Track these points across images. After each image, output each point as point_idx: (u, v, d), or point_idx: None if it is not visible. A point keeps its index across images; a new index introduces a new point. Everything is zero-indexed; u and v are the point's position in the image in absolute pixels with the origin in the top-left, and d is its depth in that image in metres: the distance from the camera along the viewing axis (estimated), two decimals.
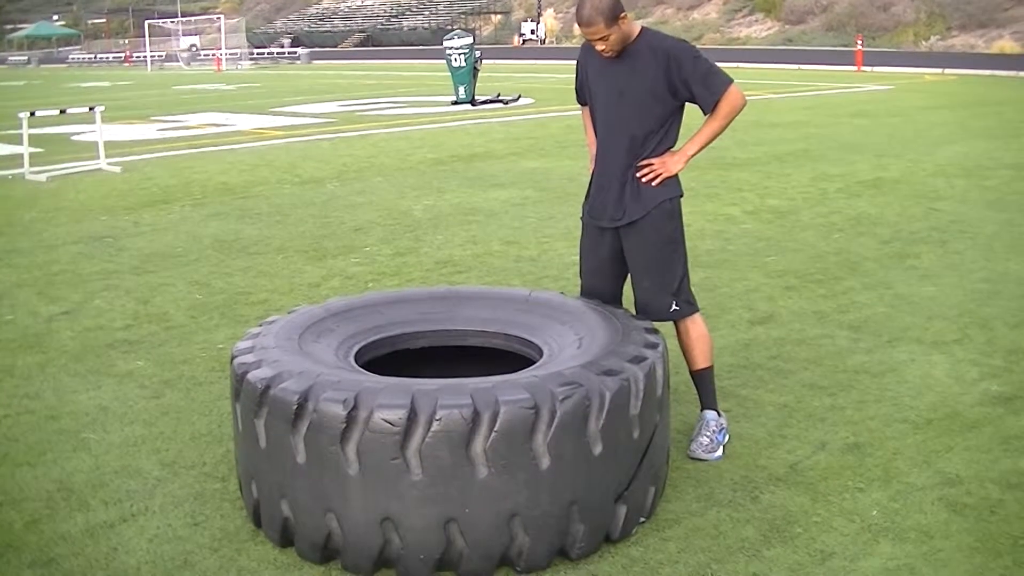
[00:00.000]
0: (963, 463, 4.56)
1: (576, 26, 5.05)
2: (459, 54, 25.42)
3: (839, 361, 5.94)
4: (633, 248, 4.72)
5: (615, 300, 4.84)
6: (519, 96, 26.51)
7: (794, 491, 4.32)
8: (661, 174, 4.62)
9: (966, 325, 6.58)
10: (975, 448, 4.72)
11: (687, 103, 4.65)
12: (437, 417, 3.44)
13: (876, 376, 5.68)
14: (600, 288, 4.86)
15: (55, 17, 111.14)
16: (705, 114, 4.64)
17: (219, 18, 70.78)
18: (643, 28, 4.66)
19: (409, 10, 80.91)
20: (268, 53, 71.33)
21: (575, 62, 4.93)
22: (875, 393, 5.42)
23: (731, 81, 4.59)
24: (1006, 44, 44.05)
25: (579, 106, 5.04)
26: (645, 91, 4.56)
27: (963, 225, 9.63)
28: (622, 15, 4.47)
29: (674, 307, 4.72)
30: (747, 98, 4.68)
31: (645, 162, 4.63)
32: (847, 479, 4.43)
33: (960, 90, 28.53)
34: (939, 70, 37.93)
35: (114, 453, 4.85)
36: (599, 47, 4.56)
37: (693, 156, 4.70)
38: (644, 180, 4.63)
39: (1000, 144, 15.84)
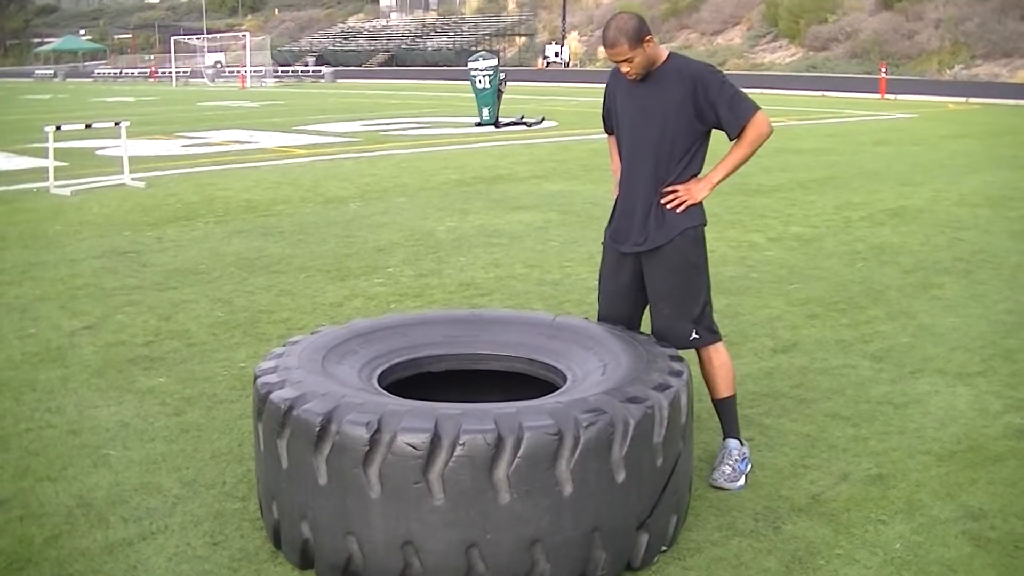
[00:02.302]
0: (987, 496, 4.53)
1: (601, 49, 5.05)
2: (483, 75, 25.45)
3: (862, 391, 5.91)
4: (654, 274, 4.70)
5: (633, 326, 4.82)
6: (543, 118, 26.53)
7: (816, 522, 4.29)
8: (686, 201, 4.61)
9: (990, 356, 6.54)
10: (999, 482, 4.68)
11: (713, 130, 4.65)
12: (460, 442, 3.43)
13: (899, 407, 5.65)
14: (618, 313, 4.83)
15: (82, 32, 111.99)
16: (731, 139, 4.63)
17: (244, 35, 71.17)
18: (671, 53, 4.66)
19: (434, 31, 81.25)
20: (292, 71, 71.70)
21: (599, 85, 4.93)
22: (898, 424, 5.39)
23: (758, 108, 4.58)
24: None
25: (605, 133, 5.04)
26: (671, 114, 4.56)
27: (987, 255, 9.59)
28: (647, 38, 4.47)
29: (694, 335, 4.70)
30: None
31: (670, 188, 4.63)
32: (870, 511, 4.40)
33: (984, 119, 28.45)
34: (963, 99, 37.87)
35: (134, 470, 4.85)
36: (624, 69, 4.56)
37: (718, 183, 4.68)
38: (669, 206, 4.62)
39: None
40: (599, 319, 4.90)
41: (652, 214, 4.64)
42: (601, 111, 4.99)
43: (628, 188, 4.75)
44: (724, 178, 4.68)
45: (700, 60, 4.81)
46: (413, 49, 77.02)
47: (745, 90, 4.67)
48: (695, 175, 4.68)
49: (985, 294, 8.13)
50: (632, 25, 4.45)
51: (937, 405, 5.68)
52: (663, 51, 4.62)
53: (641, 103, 4.64)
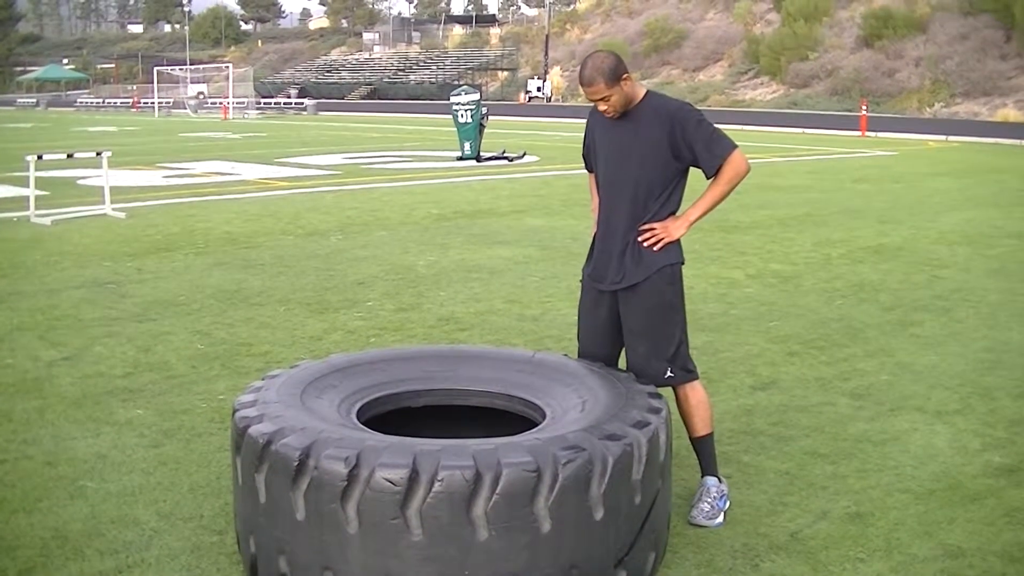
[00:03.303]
0: (965, 535, 4.53)
1: None
2: (465, 110, 25.48)
3: (841, 429, 5.92)
4: (630, 312, 4.71)
5: (612, 363, 4.83)
6: (524, 153, 26.58)
7: (795, 560, 4.28)
8: (663, 239, 4.62)
9: (968, 395, 6.56)
10: (977, 520, 4.69)
11: (691, 167, 4.67)
12: (439, 478, 3.42)
13: (878, 445, 5.66)
14: (597, 351, 4.84)
15: (65, 60, 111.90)
16: (708, 178, 4.65)
17: (227, 67, 71.30)
18: (648, 91, 4.68)
19: (417, 64, 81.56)
20: (275, 103, 71.77)
21: (581, 120, 4.94)
22: (877, 462, 5.40)
23: (735, 146, 4.60)
24: (1010, 112, 44.33)
25: (586, 170, 5.05)
26: (649, 153, 4.58)
27: (966, 293, 9.63)
28: (624, 76, 4.50)
29: (668, 374, 4.69)
30: (751, 162, 4.69)
31: (647, 226, 4.64)
32: (848, 549, 4.39)
33: (963, 157, 28.65)
34: (943, 137, 38.18)
35: (111, 502, 4.82)
36: (601, 107, 4.59)
37: (696, 221, 4.70)
38: (646, 244, 4.63)
39: (1003, 212, 15.90)
40: (579, 356, 4.91)
41: (629, 252, 4.66)
42: (582, 148, 5.01)
43: (606, 226, 4.77)
44: (701, 216, 4.70)
45: (677, 98, 4.83)
46: (395, 82, 77.25)
47: (726, 127, 4.71)
48: (672, 213, 4.70)
49: (963, 332, 8.16)
50: (608, 64, 4.48)
51: (916, 443, 5.69)
52: (641, 89, 4.64)
53: (619, 141, 4.66)
